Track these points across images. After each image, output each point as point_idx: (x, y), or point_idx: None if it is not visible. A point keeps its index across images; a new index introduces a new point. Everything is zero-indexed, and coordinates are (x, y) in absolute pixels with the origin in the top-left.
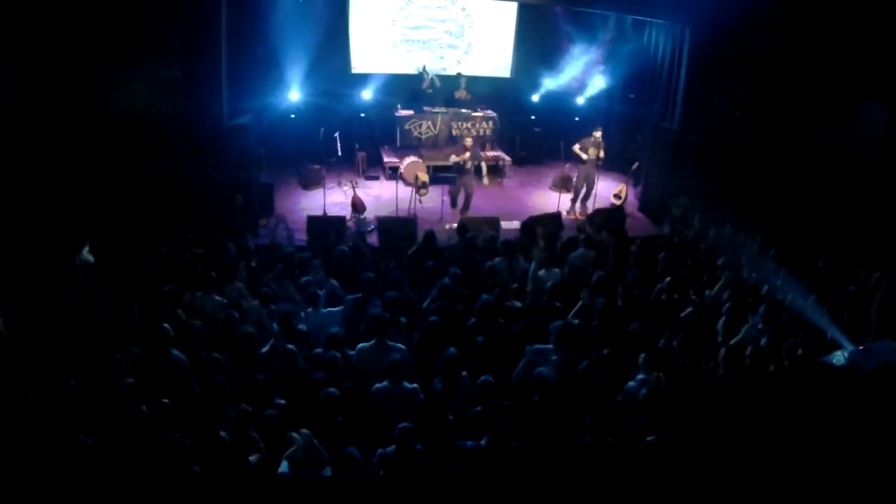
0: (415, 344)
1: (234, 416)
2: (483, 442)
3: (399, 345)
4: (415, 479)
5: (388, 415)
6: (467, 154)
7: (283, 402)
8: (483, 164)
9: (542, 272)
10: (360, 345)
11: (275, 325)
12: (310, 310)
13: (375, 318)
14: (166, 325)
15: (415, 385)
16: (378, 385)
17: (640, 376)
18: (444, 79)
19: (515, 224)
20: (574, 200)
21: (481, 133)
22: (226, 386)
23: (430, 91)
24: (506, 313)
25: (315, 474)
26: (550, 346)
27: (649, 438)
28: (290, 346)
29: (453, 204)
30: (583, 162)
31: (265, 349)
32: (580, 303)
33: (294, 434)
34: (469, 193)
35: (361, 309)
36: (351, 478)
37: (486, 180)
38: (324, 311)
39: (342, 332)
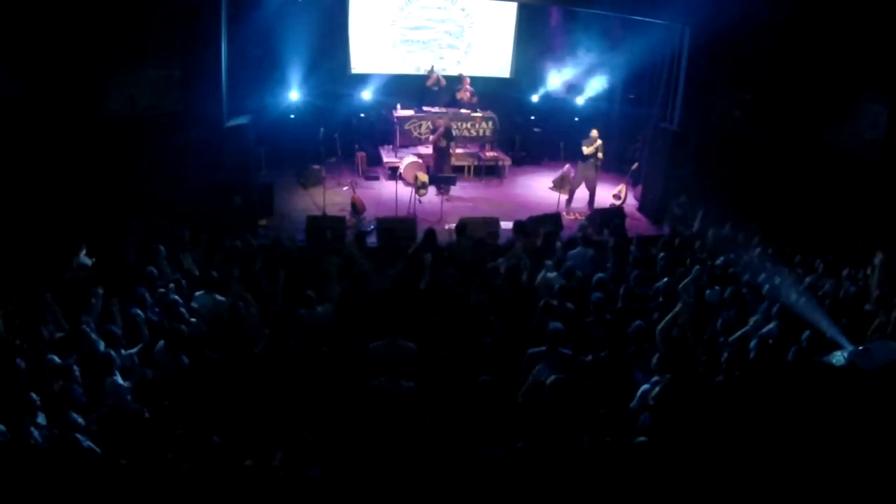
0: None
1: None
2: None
3: (411, 344)
4: (415, 479)
5: (384, 411)
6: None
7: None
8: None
9: (551, 274)
10: (373, 343)
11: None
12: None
13: (388, 317)
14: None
15: (411, 383)
16: (374, 381)
17: (654, 378)
18: (449, 79)
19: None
20: (569, 200)
21: (481, 133)
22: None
23: (436, 88)
24: (509, 315)
25: (314, 474)
26: (544, 347)
27: (644, 439)
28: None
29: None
30: (584, 158)
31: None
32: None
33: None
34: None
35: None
36: (348, 478)
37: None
38: (319, 309)
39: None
